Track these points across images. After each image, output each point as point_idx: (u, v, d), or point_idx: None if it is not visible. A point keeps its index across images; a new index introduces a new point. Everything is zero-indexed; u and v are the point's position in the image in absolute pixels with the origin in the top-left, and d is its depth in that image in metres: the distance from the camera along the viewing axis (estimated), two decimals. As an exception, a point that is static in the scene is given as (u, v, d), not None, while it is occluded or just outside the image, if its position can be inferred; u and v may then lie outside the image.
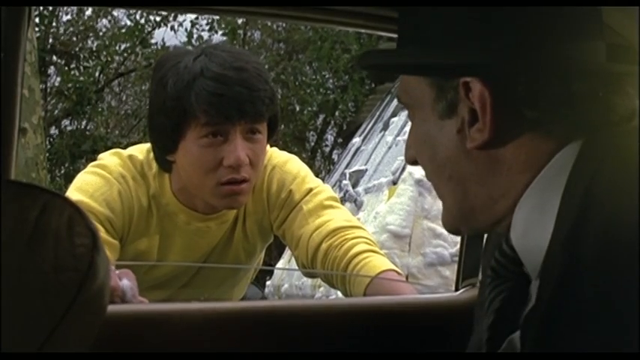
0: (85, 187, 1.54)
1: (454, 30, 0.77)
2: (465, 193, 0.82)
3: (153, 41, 11.56)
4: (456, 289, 1.43)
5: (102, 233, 1.49)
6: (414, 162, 0.88)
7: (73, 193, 1.53)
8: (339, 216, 1.60)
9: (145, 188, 1.59)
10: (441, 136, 0.82)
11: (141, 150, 1.63)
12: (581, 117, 0.76)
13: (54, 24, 11.27)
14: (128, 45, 11.47)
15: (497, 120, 0.76)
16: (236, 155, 1.48)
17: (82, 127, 11.58)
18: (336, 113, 11.96)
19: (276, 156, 1.67)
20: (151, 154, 1.61)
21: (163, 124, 1.50)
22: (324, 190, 1.65)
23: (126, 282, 1.32)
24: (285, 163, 1.67)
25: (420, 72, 0.83)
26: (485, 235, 1.00)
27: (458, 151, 0.80)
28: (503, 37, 0.75)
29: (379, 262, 1.50)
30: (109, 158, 1.61)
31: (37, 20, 10.23)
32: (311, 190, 1.63)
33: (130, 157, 1.61)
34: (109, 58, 11.51)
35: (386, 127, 6.73)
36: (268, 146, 1.64)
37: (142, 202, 1.58)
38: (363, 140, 7.41)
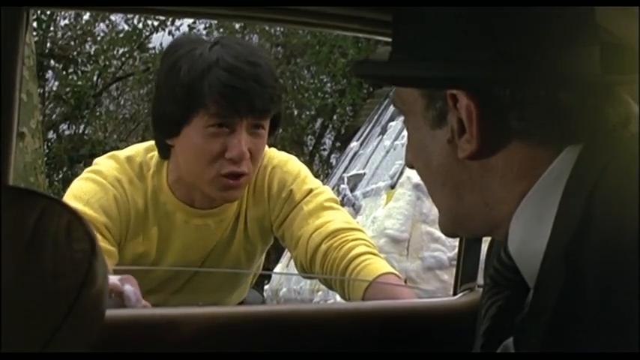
0: (81, 194, 1.54)
1: (442, 42, 0.77)
2: (459, 199, 0.83)
3: (151, 46, 11.60)
4: (454, 294, 1.43)
5: (100, 241, 1.49)
6: (413, 166, 0.89)
7: (69, 201, 1.52)
8: (339, 218, 1.61)
9: (143, 190, 1.59)
10: (434, 145, 0.82)
11: (138, 151, 1.63)
12: (570, 126, 0.76)
13: (52, 28, 11.29)
14: (126, 49, 11.49)
15: (483, 131, 0.77)
16: (239, 149, 1.49)
17: (80, 131, 11.59)
18: (334, 117, 11.98)
19: (276, 156, 1.67)
20: (149, 154, 1.61)
21: (171, 108, 1.50)
22: (325, 192, 1.66)
23: (129, 287, 1.32)
24: (285, 163, 1.67)
25: (409, 84, 0.84)
26: (487, 243, 1.00)
27: (450, 160, 0.81)
28: (487, 49, 0.75)
29: (379, 265, 1.50)
30: (104, 162, 1.61)
31: (35, 24, 10.25)
32: (311, 190, 1.64)
33: (127, 158, 1.61)
34: (107, 63, 11.53)
35: (384, 131, 6.74)
36: (267, 147, 1.64)
37: (139, 204, 1.58)
38: (361, 144, 7.42)
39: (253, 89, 1.47)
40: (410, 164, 0.90)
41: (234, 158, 1.49)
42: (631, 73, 0.79)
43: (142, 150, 1.63)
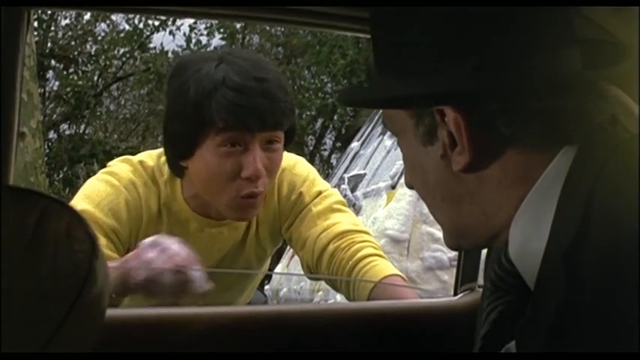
0: (92, 195, 1.53)
1: (421, 57, 0.77)
2: (459, 212, 0.83)
3: (151, 45, 11.61)
4: (455, 294, 1.43)
5: (105, 249, 1.47)
6: (412, 187, 0.88)
7: (80, 200, 1.52)
8: (346, 220, 1.61)
9: (156, 194, 1.58)
10: (428, 162, 0.82)
11: (151, 156, 1.62)
12: (561, 128, 0.75)
13: (53, 28, 11.30)
14: (127, 49, 11.50)
15: (474, 141, 0.76)
16: (254, 166, 1.47)
17: (81, 131, 11.61)
18: (335, 117, 11.99)
19: (285, 158, 1.66)
20: (162, 160, 1.60)
21: (180, 130, 1.49)
22: (333, 194, 1.66)
23: (194, 272, 1.33)
24: (294, 165, 1.67)
25: (394, 106, 0.83)
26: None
27: (446, 174, 0.80)
28: (467, 59, 0.74)
29: (385, 267, 1.50)
30: (119, 165, 1.60)
31: (35, 24, 10.25)
32: (320, 192, 1.64)
33: (141, 162, 1.60)
34: (108, 63, 11.55)
35: (385, 131, 6.73)
36: None
37: (152, 208, 1.57)
38: (362, 144, 7.41)
39: (262, 105, 1.44)
40: (409, 184, 0.89)
41: (251, 177, 1.47)
42: (612, 65, 0.78)
43: (155, 155, 1.62)
